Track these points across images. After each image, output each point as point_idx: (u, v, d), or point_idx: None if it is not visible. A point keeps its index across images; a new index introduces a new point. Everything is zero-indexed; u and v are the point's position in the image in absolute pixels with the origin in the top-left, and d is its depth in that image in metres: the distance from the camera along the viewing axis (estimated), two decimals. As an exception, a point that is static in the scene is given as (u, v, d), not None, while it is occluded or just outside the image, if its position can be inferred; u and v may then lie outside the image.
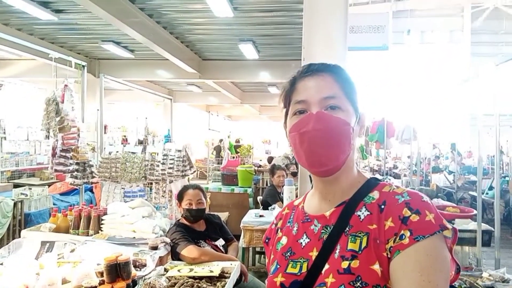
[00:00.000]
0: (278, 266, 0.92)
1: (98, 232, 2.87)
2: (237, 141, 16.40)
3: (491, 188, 7.36)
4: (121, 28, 6.29)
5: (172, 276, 2.29)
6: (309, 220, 0.93)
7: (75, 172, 3.48)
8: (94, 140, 6.04)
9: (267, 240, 1.06)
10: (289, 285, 0.87)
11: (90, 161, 3.52)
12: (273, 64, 9.92)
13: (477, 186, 3.67)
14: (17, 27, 7.33)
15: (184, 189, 3.03)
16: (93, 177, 3.56)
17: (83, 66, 3.60)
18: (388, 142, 6.87)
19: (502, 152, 11.24)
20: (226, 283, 2.27)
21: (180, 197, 3.00)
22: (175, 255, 2.73)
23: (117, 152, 3.44)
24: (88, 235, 2.86)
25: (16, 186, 6.38)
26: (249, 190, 6.60)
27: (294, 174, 5.69)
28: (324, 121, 0.84)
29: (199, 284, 2.17)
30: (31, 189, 5.46)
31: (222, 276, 2.39)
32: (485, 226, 3.83)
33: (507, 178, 7.85)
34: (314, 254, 0.86)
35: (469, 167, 11.14)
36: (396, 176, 10.46)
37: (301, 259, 0.88)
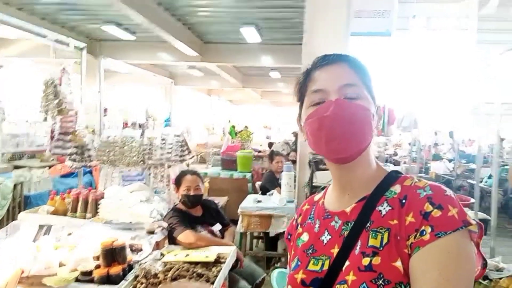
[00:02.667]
0: (299, 263, 0.91)
1: (96, 216, 2.89)
2: (246, 127, 16.58)
3: (490, 176, 7.35)
4: (122, 9, 6.21)
5: (168, 261, 2.31)
6: (329, 216, 0.91)
7: (74, 155, 3.48)
8: (94, 123, 6.01)
9: (289, 237, 1.04)
10: (310, 282, 0.85)
11: (88, 144, 3.52)
12: (275, 48, 9.83)
13: (475, 174, 3.67)
14: (18, 7, 7.24)
15: (182, 174, 3.03)
16: (91, 160, 3.56)
17: (81, 48, 3.56)
18: (389, 129, 6.83)
19: (502, 140, 11.20)
20: (221, 268, 2.28)
21: (178, 182, 3.01)
22: (172, 240, 2.75)
23: (115, 136, 3.43)
24: (85, 219, 2.88)
25: (16, 167, 6.39)
26: (248, 175, 6.61)
27: (294, 162, 5.69)
28: (345, 106, 0.82)
29: (195, 269, 2.19)
30: (31, 170, 5.47)
31: (218, 261, 2.41)
32: (481, 215, 3.85)
33: (506, 167, 7.83)
34: (335, 251, 0.84)
35: (469, 155, 11.12)
36: (396, 163, 10.46)
37: (323, 256, 0.86)
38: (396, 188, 0.83)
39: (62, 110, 3.26)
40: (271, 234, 4.20)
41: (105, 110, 11.86)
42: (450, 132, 11.98)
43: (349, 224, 0.85)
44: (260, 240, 5.12)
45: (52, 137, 3.39)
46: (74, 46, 3.49)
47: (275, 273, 2.41)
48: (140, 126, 9.27)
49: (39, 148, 8.13)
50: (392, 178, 0.86)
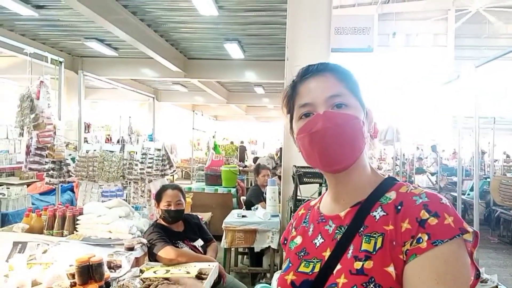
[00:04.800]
0: (290, 265, 0.91)
1: (73, 233, 2.80)
2: (242, 142, 16.81)
3: (472, 189, 7.45)
4: (104, 25, 6.20)
5: (147, 278, 2.24)
6: (324, 220, 0.91)
7: (51, 171, 3.38)
8: (76, 139, 5.90)
9: (285, 241, 1.04)
10: (300, 284, 0.85)
11: (67, 159, 3.43)
12: (259, 64, 9.91)
13: (457, 187, 3.70)
14: (-3, 23, 7.18)
15: (163, 189, 2.97)
16: (70, 176, 3.47)
17: (60, 62, 3.51)
18: (373, 142, 6.90)
19: (483, 153, 11.41)
20: (203, 284, 2.22)
21: (158, 197, 2.94)
22: (152, 256, 2.68)
23: (95, 150, 3.36)
24: (62, 236, 2.78)
25: (-6, 185, 6.20)
26: (233, 190, 6.56)
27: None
28: (334, 118, 0.82)
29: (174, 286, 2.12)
30: (9, 188, 5.31)
31: (200, 277, 2.34)
32: (464, 227, 3.86)
33: (488, 179, 7.96)
34: (327, 254, 0.84)
35: (452, 168, 11.29)
36: (381, 177, 10.53)
37: (314, 259, 0.86)
38: (391, 195, 0.83)
39: (39, 125, 3.18)
40: (256, 250, 4.14)
41: (89, 126, 11.72)
42: (432, 146, 12.20)
43: (343, 228, 0.84)
44: (245, 256, 5.05)
45: (28, 153, 3.30)
46: (52, 60, 3.43)
47: (258, 288, 2.36)
48: (119, 141, 9.14)
49: (18, 165, 7.95)
50: (388, 184, 0.86)
